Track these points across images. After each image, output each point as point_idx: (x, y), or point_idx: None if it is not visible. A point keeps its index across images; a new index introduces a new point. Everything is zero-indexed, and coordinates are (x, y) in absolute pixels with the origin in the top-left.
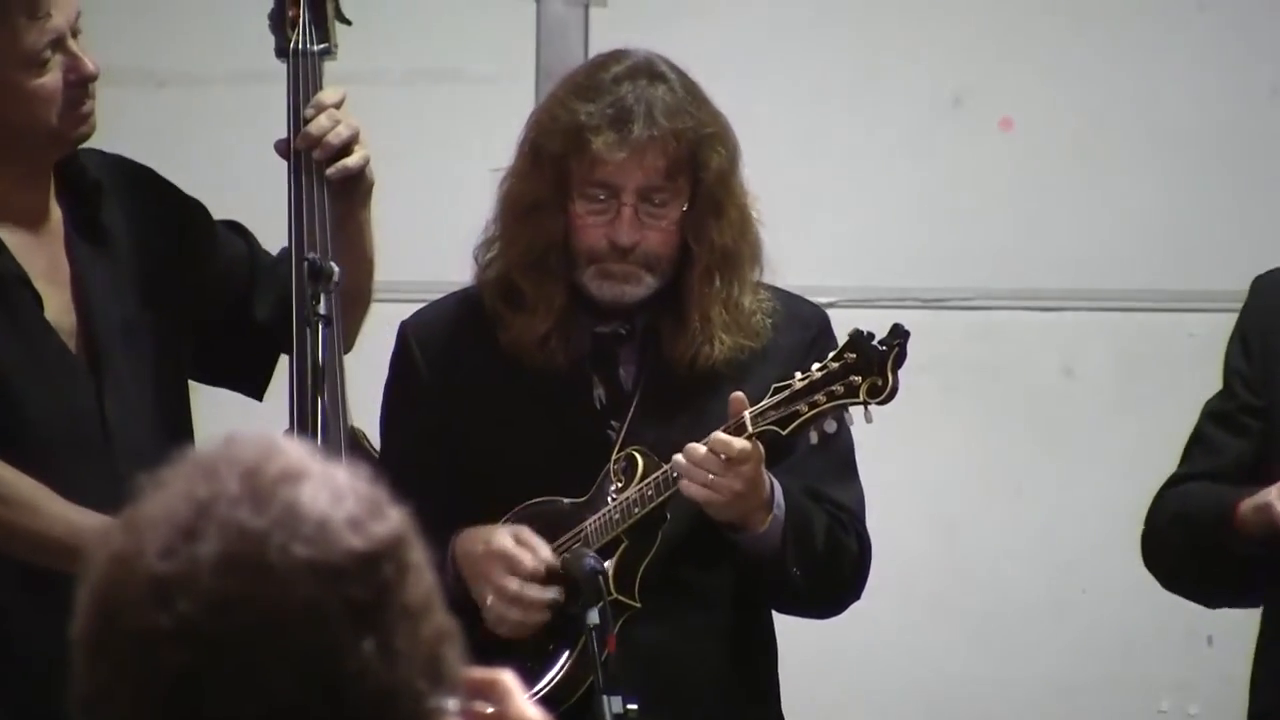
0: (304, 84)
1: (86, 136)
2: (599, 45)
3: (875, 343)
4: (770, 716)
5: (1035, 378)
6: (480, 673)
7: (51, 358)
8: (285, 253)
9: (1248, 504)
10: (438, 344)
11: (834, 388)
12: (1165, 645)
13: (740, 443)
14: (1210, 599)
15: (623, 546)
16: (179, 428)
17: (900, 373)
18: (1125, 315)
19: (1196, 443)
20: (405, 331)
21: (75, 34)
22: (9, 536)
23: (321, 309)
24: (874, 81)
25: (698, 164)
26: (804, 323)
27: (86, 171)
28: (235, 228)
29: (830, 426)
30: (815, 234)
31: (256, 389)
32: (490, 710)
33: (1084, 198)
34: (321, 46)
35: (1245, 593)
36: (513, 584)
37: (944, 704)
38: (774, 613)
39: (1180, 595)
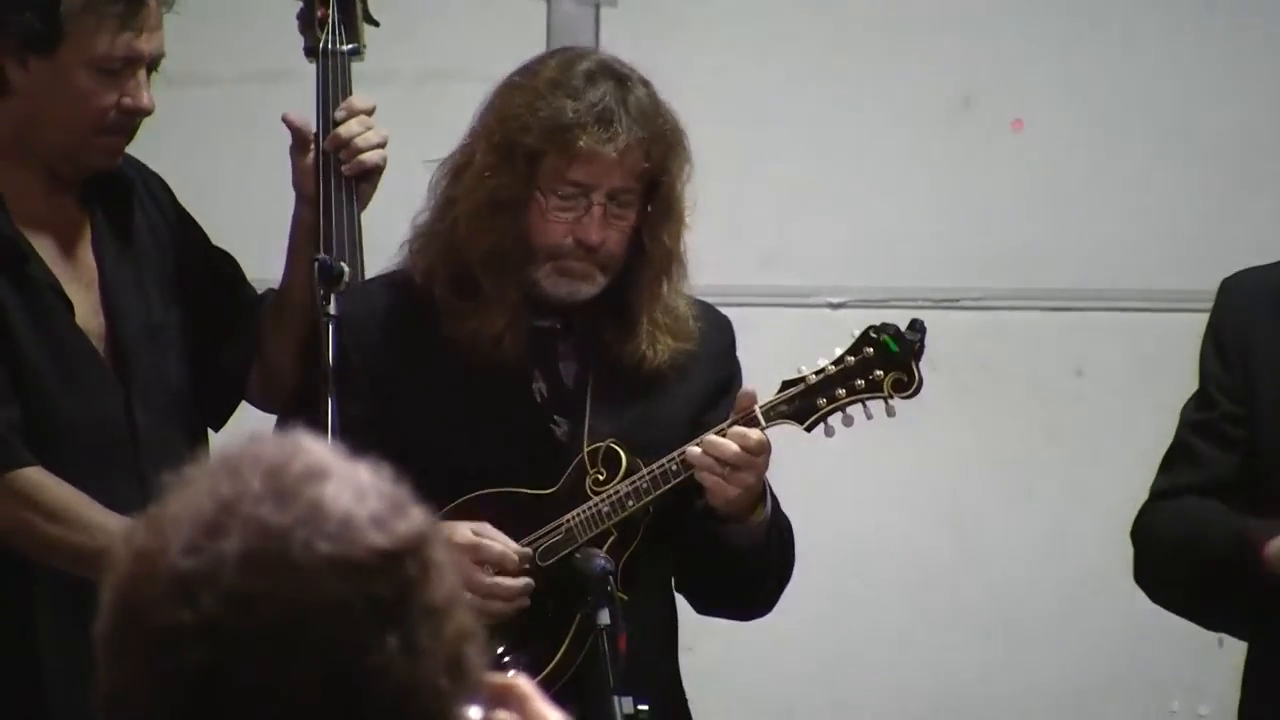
0: (333, 84)
1: (102, 169)
2: (610, 45)
3: (905, 336)
4: (685, 706)
5: (1046, 378)
6: (497, 679)
7: (82, 364)
8: (267, 295)
9: (1276, 547)
10: (369, 331)
11: (856, 382)
12: (1176, 646)
13: (760, 434)
14: (1210, 626)
15: (611, 539)
16: (203, 428)
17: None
18: (1137, 315)
19: (1179, 453)
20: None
21: (150, 70)
22: (51, 549)
23: (332, 309)
24: (885, 82)
25: (661, 167)
26: (722, 327)
27: (122, 170)
28: (228, 260)
29: (848, 421)
30: (826, 234)
31: (217, 421)
32: (510, 716)
33: (1095, 198)
34: (350, 47)
35: (1255, 630)
36: (486, 577)
37: (953, 704)
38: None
39: (1178, 615)
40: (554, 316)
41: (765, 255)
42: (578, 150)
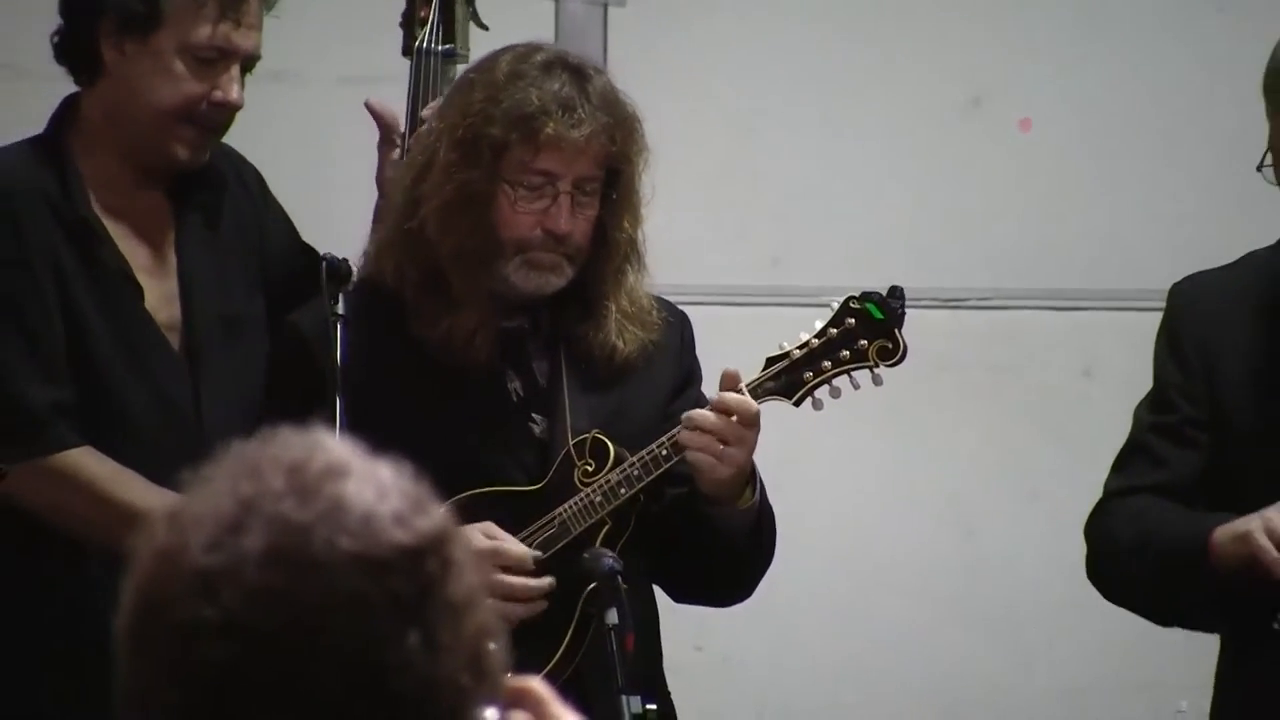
0: (424, 83)
1: (183, 164)
2: (617, 45)
3: (887, 303)
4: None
5: (1054, 378)
6: (513, 682)
7: (149, 350)
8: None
9: (1224, 532)
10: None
11: (841, 353)
12: (1183, 645)
13: (755, 406)
14: (1166, 622)
15: (606, 529)
16: None
17: (908, 357)
18: (1144, 315)
19: (1137, 452)
20: (299, 327)
21: (245, 70)
22: (96, 530)
23: (340, 309)
24: (893, 82)
25: (622, 156)
26: (681, 321)
27: (212, 160)
28: (314, 257)
29: (835, 393)
30: (834, 234)
31: None
32: (527, 719)
33: (1103, 198)
34: (446, 47)
35: (1209, 622)
36: (510, 578)
37: (960, 705)
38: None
39: (1135, 613)
40: (521, 316)
41: (774, 255)
42: (544, 138)
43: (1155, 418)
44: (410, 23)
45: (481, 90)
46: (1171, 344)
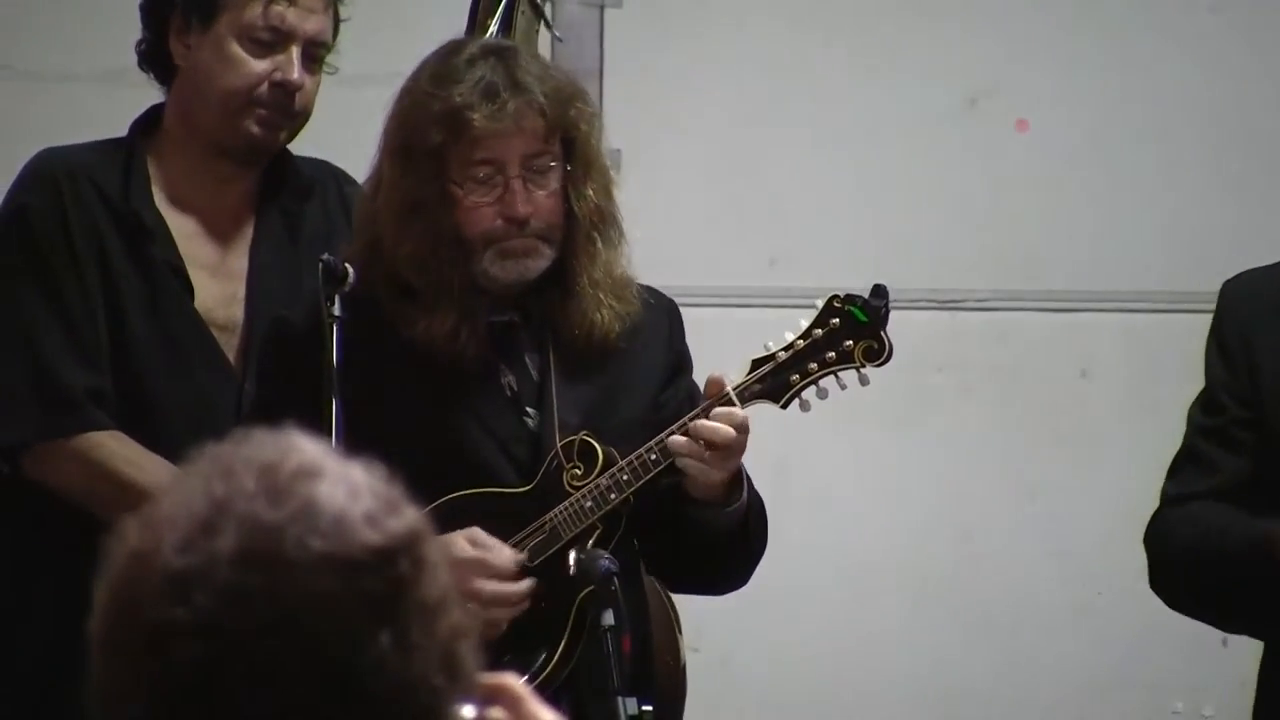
0: None
1: (259, 144)
2: (614, 47)
3: (871, 303)
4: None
5: (1051, 379)
6: (488, 678)
7: (193, 348)
8: None
9: None
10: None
11: (826, 355)
12: (1180, 646)
13: (744, 413)
14: (1228, 626)
15: (597, 533)
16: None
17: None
18: (1142, 316)
19: (1189, 458)
20: (291, 323)
21: (312, 57)
22: (119, 513)
23: (337, 310)
24: (890, 83)
25: (568, 123)
26: (669, 309)
27: (301, 172)
28: None
29: (822, 394)
30: (831, 235)
31: None
32: (503, 716)
33: (1099, 199)
34: None
35: (1269, 625)
36: (490, 585)
37: (957, 705)
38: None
39: (1199, 620)
40: (511, 310)
41: (771, 256)
42: (475, 131)
43: (1205, 420)
44: (471, 30)
45: (410, 98)
46: (1219, 342)
